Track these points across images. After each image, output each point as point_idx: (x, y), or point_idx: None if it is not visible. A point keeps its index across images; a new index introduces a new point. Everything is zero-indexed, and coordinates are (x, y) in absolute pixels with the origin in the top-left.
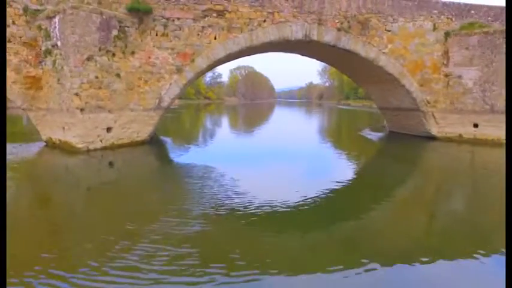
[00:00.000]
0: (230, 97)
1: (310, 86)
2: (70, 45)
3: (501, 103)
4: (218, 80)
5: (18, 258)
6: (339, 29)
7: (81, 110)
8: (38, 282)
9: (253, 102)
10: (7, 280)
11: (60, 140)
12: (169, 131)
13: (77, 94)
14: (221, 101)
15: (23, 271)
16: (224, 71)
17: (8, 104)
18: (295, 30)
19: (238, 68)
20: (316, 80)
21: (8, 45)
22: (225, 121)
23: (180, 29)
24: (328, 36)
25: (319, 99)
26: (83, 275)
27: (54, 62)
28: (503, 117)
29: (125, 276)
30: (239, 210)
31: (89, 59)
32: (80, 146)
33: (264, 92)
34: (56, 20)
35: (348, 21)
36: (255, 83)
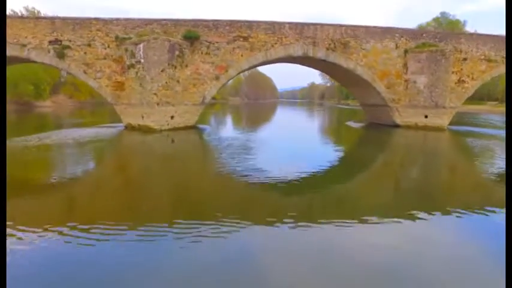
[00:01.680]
0: (234, 97)
1: (312, 86)
2: (151, 62)
3: (442, 100)
4: None
5: (101, 208)
6: (327, 49)
7: (157, 104)
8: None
9: (256, 102)
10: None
11: (139, 124)
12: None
13: (155, 94)
14: (225, 100)
15: (105, 218)
16: None
17: (102, 100)
18: (297, 50)
19: None
20: (318, 80)
21: (103, 61)
22: (235, 117)
23: (218, 49)
24: (320, 54)
25: (320, 99)
26: (155, 217)
27: (136, 72)
28: (444, 111)
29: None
30: (252, 176)
31: (162, 70)
32: (156, 127)
33: (266, 92)
34: (141, 45)
35: (334, 43)
36: (258, 83)
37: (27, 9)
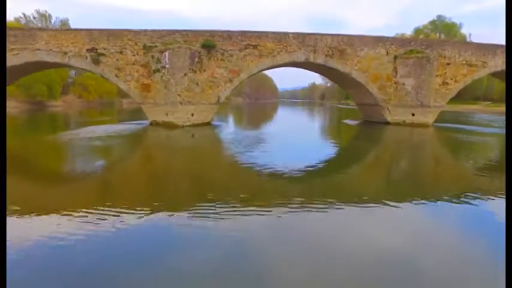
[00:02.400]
0: (236, 97)
1: (313, 86)
2: (176, 67)
3: (427, 100)
4: None
5: (127, 195)
6: (326, 55)
7: (180, 103)
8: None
9: (258, 102)
10: None
11: (163, 121)
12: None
13: (179, 94)
14: (227, 101)
15: (130, 204)
16: None
17: (130, 100)
18: (300, 56)
19: None
20: (318, 80)
21: (132, 66)
22: (241, 116)
23: (231, 56)
24: (320, 59)
25: (321, 99)
26: (180, 202)
27: (161, 76)
28: (429, 110)
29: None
30: (261, 166)
31: (185, 74)
32: (178, 123)
33: (267, 92)
34: (166, 53)
35: (332, 51)
36: (259, 83)
37: (38, 12)
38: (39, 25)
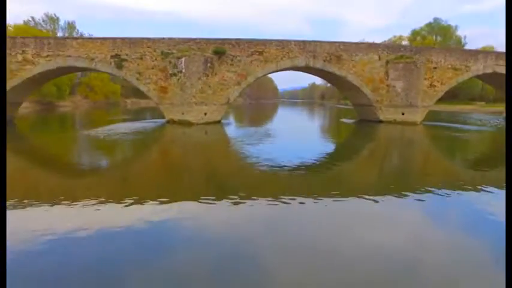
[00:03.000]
0: (237, 97)
1: (313, 87)
2: (191, 72)
3: (415, 101)
4: None
5: (144, 183)
6: (324, 60)
7: (195, 104)
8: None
9: (259, 102)
10: None
11: (179, 119)
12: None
13: (193, 96)
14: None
15: (149, 192)
16: None
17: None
18: (301, 61)
19: None
20: (318, 81)
21: (151, 70)
22: (245, 115)
23: (239, 61)
24: (319, 64)
25: (321, 99)
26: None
27: (178, 79)
28: (417, 109)
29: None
30: (265, 159)
31: (199, 78)
32: (193, 121)
33: (268, 93)
34: (183, 59)
35: (330, 56)
36: (260, 84)
37: (47, 15)
38: (48, 27)
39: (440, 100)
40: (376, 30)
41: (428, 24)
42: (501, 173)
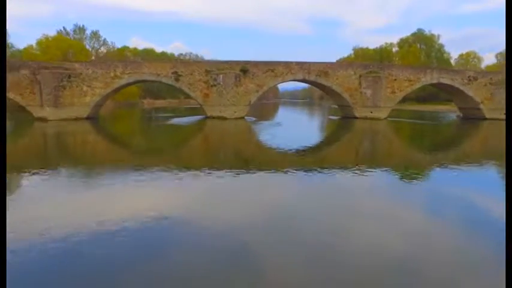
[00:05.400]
0: None
1: (312, 88)
2: (226, 84)
3: (380, 103)
4: None
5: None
6: (316, 75)
7: (229, 105)
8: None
9: (260, 102)
10: None
11: (217, 116)
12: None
13: (228, 100)
14: None
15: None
16: None
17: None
18: (299, 76)
19: None
20: None
21: (198, 82)
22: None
23: (257, 76)
24: (312, 78)
25: (320, 100)
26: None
27: (217, 89)
28: (381, 109)
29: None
30: (276, 143)
31: (231, 88)
32: (228, 117)
33: (269, 93)
34: (221, 75)
35: (320, 72)
36: None
37: (76, 25)
38: (76, 36)
39: (423, 101)
40: (377, 30)
41: (414, 34)
42: (423, 148)
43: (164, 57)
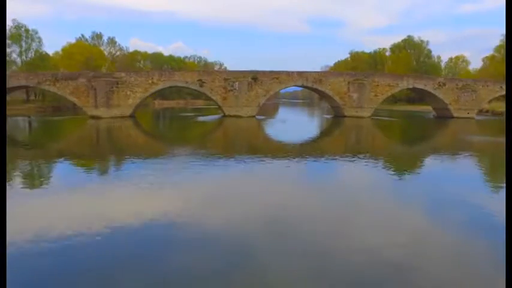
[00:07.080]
0: None
1: None
2: (241, 89)
3: (364, 104)
4: None
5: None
6: (313, 82)
7: (243, 106)
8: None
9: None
10: None
11: (234, 115)
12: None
13: (242, 102)
14: None
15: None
16: None
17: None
18: (299, 82)
19: None
20: None
21: (218, 88)
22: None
23: (265, 83)
24: (310, 84)
25: (319, 100)
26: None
27: (233, 93)
28: (365, 109)
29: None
30: (279, 137)
31: (245, 93)
32: (242, 116)
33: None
34: (236, 83)
35: (316, 80)
36: None
37: (93, 32)
38: (95, 42)
39: (412, 102)
40: (378, 30)
41: (405, 40)
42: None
43: (171, 60)
